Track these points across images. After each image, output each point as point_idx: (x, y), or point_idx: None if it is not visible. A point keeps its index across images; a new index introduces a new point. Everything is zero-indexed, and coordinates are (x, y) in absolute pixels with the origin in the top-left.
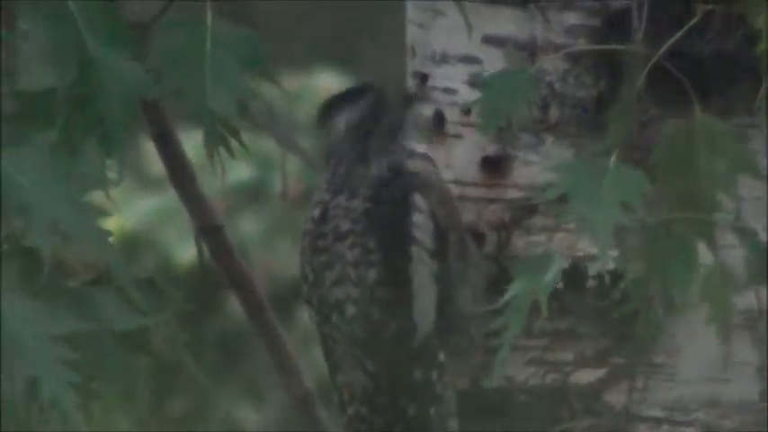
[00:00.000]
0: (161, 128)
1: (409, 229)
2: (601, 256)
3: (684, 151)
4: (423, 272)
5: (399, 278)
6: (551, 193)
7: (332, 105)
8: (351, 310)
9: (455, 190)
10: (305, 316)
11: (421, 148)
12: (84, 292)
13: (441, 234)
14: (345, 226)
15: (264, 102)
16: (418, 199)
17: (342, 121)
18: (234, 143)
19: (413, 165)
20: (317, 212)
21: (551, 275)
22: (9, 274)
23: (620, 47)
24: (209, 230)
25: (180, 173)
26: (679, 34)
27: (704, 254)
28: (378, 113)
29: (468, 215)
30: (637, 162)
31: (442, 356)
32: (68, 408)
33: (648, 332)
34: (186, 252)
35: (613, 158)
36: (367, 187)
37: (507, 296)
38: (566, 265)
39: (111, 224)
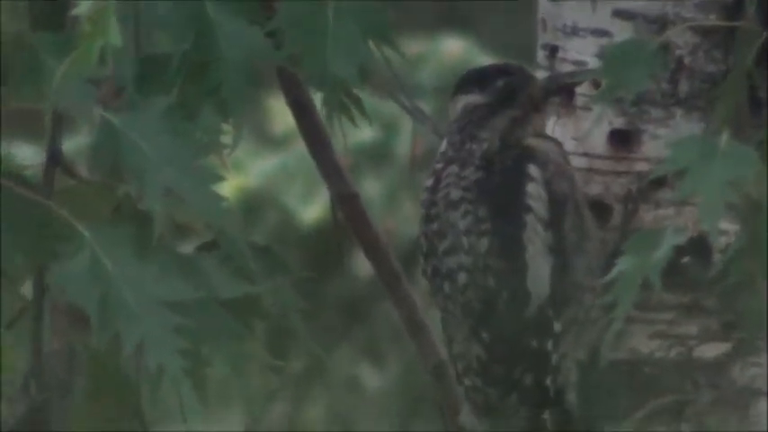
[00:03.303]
0: (297, 94)
1: (522, 198)
2: (710, 231)
3: None
4: (536, 241)
5: (512, 247)
6: (663, 168)
7: (465, 80)
8: (463, 278)
9: (582, 162)
10: (424, 283)
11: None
12: (194, 258)
13: (556, 205)
14: (457, 194)
15: (389, 68)
16: (532, 169)
17: (462, 102)
18: (354, 110)
19: (529, 141)
20: (430, 181)
21: (663, 251)
22: (122, 237)
23: (735, 23)
24: (345, 198)
25: (316, 140)
26: None
27: None
28: (504, 101)
29: (595, 187)
30: (746, 139)
31: (558, 327)
32: (175, 374)
33: (758, 308)
34: (309, 211)
35: (725, 135)
36: (479, 157)
37: (615, 271)
38: (684, 239)
39: (233, 184)
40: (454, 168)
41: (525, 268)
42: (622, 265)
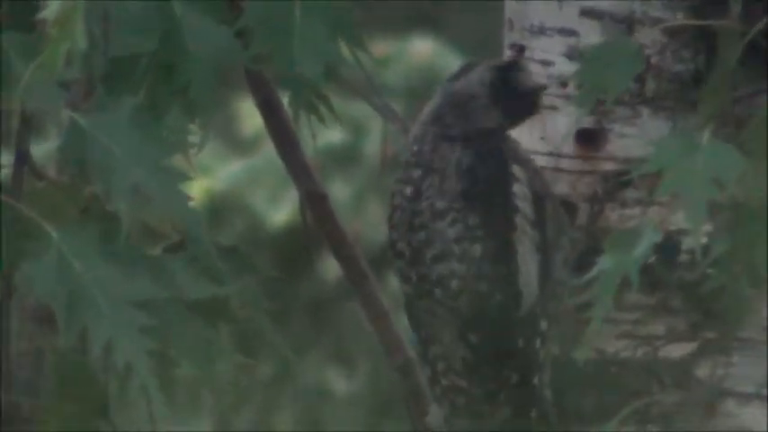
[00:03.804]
0: (265, 95)
1: (511, 200)
2: (693, 231)
3: None
4: (526, 241)
5: (505, 250)
6: (646, 167)
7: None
8: (455, 285)
9: (549, 162)
10: (394, 283)
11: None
12: (161, 259)
13: (538, 203)
14: (441, 204)
15: (361, 67)
16: (516, 170)
17: (450, 88)
18: (323, 109)
19: (510, 139)
20: (408, 190)
21: (642, 250)
22: (89, 237)
23: (717, 22)
24: (314, 198)
25: (285, 140)
26: None
27: None
28: (491, 92)
29: (561, 187)
30: (727, 138)
31: (544, 324)
32: (143, 374)
33: (736, 308)
34: (277, 214)
35: (707, 134)
36: (457, 168)
37: (595, 270)
38: (659, 238)
39: (200, 187)
40: (434, 180)
41: (517, 270)
42: (603, 264)
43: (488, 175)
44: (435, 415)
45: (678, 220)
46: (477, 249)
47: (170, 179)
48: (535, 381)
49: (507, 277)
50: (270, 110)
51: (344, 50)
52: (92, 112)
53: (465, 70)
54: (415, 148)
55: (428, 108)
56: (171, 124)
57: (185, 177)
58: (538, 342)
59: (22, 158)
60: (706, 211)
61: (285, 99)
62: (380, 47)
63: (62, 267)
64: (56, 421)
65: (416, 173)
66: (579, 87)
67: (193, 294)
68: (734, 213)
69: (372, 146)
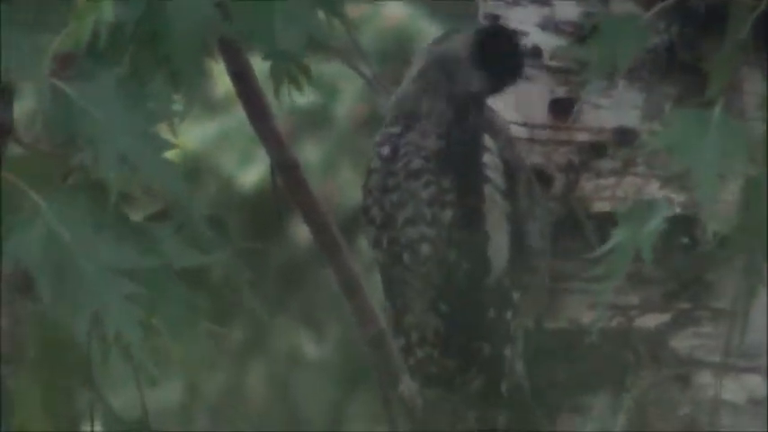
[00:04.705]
0: (239, 65)
1: (481, 170)
2: (706, 207)
3: None
4: (496, 211)
5: (474, 218)
6: (655, 143)
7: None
8: (425, 250)
9: (523, 132)
10: (366, 248)
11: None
12: (147, 227)
13: (510, 173)
14: (418, 163)
15: (350, 37)
16: (487, 140)
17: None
18: (301, 77)
19: (484, 108)
20: (386, 150)
21: (655, 223)
22: (76, 206)
23: None
24: (285, 167)
25: (257, 109)
26: None
27: None
28: (475, 56)
29: (536, 157)
30: (725, 104)
31: (515, 296)
32: (133, 342)
33: (751, 279)
34: (248, 175)
35: (718, 109)
36: (438, 126)
37: (610, 243)
38: (672, 212)
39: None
40: (413, 137)
41: (487, 239)
42: (617, 236)
43: (461, 142)
44: (408, 384)
45: (653, 190)
46: (447, 215)
47: (157, 148)
48: (506, 352)
49: (477, 246)
50: (241, 77)
51: (324, 19)
52: (75, 81)
53: (449, 34)
54: (395, 108)
55: (411, 70)
56: (154, 92)
57: (171, 146)
58: (509, 313)
59: (5, 126)
60: (672, 180)
61: (256, 65)
62: (353, 9)
63: (51, 238)
64: (38, 390)
65: (396, 130)
66: (588, 60)
67: (180, 263)
68: (745, 186)
69: (343, 107)
